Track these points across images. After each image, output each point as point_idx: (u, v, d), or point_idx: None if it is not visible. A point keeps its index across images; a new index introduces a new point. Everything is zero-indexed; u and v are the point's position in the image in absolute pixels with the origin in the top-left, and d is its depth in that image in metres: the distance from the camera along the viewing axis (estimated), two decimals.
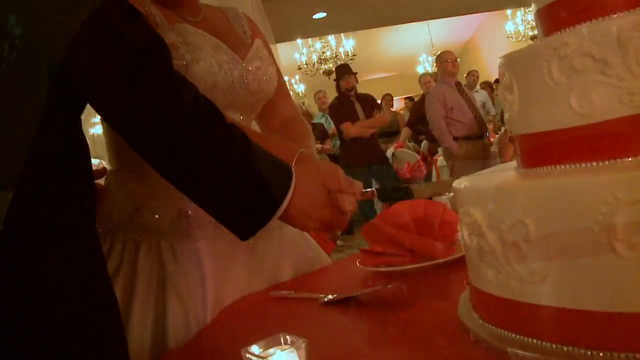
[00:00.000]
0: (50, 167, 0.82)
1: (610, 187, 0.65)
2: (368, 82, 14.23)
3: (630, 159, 0.73)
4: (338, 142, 6.60)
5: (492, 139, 6.61)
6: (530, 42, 12.13)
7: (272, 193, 0.96)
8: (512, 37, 12.35)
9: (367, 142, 5.89)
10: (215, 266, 1.30)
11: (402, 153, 6.20)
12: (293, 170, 1.01)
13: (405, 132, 7.29)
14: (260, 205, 0.96)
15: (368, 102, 6.12)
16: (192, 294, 1.26)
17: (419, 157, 5.82)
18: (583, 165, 0.77)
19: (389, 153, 6.82)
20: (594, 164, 0.76)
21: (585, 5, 0.82)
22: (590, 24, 0.78)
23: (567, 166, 0.79)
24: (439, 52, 5.89)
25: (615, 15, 0.78)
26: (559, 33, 0.83)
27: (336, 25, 9.04)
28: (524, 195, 0.73)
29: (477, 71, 8.71)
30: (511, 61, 0.88)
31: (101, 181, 1.39)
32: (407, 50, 13.66)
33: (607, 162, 0.74)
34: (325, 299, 1.19)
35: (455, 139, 5.58)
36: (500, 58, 0.92)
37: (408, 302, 1.10)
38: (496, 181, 0.81)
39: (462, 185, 0.86)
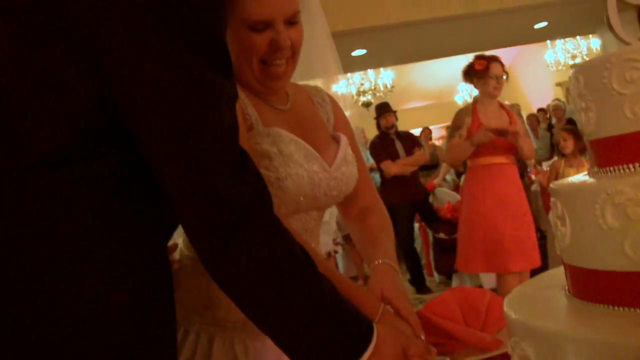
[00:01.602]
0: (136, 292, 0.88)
1: None
2: (406, 111, 14.18)
3: None
4: (378, 177, 6.58)
5: (533, 176, 6.54)
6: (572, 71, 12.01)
7: (351, 348, 0.96)
8: (551, 67, 12.21)
9: (408, 179, 5.88)
10: None
11: (441, 192, 6.17)
12: (375, 328, 1.01)
13: (444, 167, 7.25)
14: (337, 358, 0.98)
15: (408, 140, 6.13)
16: None
17: (459, 197, 5.77)
18: (633, 310, 0.78)
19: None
20: None
21: (637, 145, 0.84)
22: None
23: (617, 309, 0.80)
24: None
25: None
26: (611, 173, 0.86)
27: (375, 61, 9.08)
28: (574, 345, 0.75)
29: (518, 105, 8.64)
30: (563, 193, 0.90)
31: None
32: (445, 79, 13.62)
33: None
34: None
35: None
36: (552, 185, 0.94)
37: None
38: (547, 319, 0.83)
39: (514, 315, 0.88)
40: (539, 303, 0.95)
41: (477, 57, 4.09)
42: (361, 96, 10.84)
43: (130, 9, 0.78)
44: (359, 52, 7.64)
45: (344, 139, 1.44)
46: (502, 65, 4.04)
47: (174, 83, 0.81)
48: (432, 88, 14.38)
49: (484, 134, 3.90)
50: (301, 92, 1.49)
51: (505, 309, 0.93)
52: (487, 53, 4.54)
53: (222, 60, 0.87)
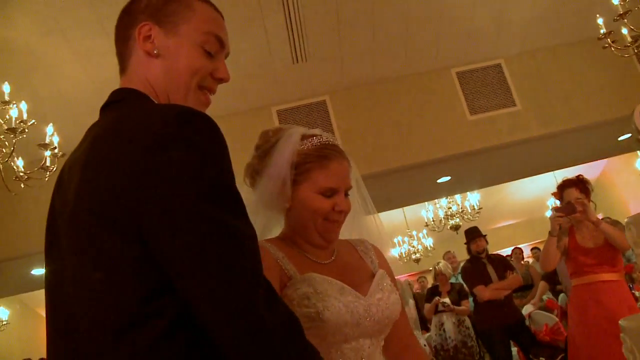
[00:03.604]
0: None
1: None
2: (496, 231, 14.01)
3: None
4: (471, 302, 6.53)
5: (636, 293, 6.29)
6: None
7: None
8: None
9: (502, 303, 5.78)
10: None
11: (538, 315, 6.02)
12: None
13: (542, 286, 7.12)
14: None
15: (500, 264, 6.09)
16: None
17: (557, 319, 5.64)
18: None
19: (525, 310, 6.63)
20: None
21: None
22: None
23: None
24: None
25: None
26: None
27: (460, 187, 9.24)
28: None
29: (609, 218, 8.47)
30: (629, 330, 1.03)
31: None
32: (533, 195, 13.51)
33: None
34: None
35: None
36: (620, 322, 1.08)
37: None
38: None
39: None
40: None
41: (558, 185, 4.19)
42: (449, 219, 10.92)
43: (168, 200, 0.98)
44: (444, 179, 7.85)
45: (379, 272, 1.66)
46: (581, 186, 4.06)
47: (203, 236, 0.97)
48: (521, 205, 14.27)
49: (552, 217, 3.93)
50: (345, 245, 1.74)
51: None
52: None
53: (238, 206, 1.05)
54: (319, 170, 1.56)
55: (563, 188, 4.14)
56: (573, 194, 4.03)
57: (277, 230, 1.69)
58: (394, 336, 1.67)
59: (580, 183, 4.12)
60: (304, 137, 1.61)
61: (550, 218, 4.01)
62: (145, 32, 1.23)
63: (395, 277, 1.75)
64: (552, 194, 4.29)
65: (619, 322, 1.06)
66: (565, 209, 3.95)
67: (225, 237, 0.99)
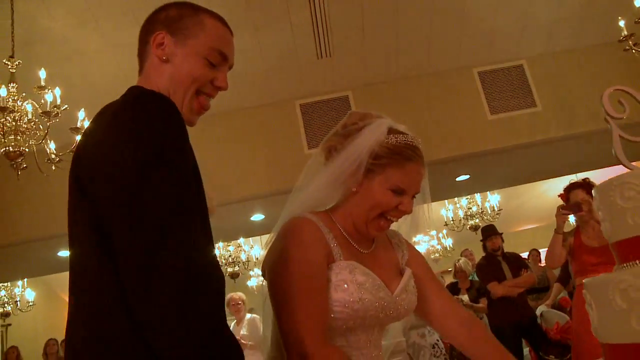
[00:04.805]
0: None
1: None
2: (515, 234, 13.97)
3: None
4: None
5: None
6: None
7: None
8: None
9: (515, 301, 5.87)
10: None
11: (550, 313, 6.07)
12: None
13: (556, 288, 7.14)
14: None
15: (515, 262, 6.17)
16: None
17: (568, 317, 5.69)
18: None
19: (538, 310, 6.67)
20: None
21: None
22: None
23: None
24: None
25: None
26: (624, 269, 1.11)
27: (479, 186, 9.28)
28: None
29: None
30: (591, 286, 1.16)
31: None
32: (554, 199, 13.44)
33: None
34: None
35: None
36: (584, 280, 1.20)
37: None
38: None
39: None
40: None
41: (565, 187, 4.32)
42: (469, 220, 10.96)
43: (106, 164, 1.15)
44: (462, 178, 7.91)
45: (407, 272, 1.72)
46: (587, 188, 4.18)
47: (129, 192, 1.10)
48: (542, 209, 14.17)
49: (558, 214, 4.05)
50: (382, 235, 1.79)
51: None
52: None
53: (168, 172, 1.14)
54: (395, 168, 1.57)
55: (569, 190, 4.29)
56: (579, 195, 4.17)
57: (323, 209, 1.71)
58: (450, 313, 1.77)
59: (586, 186, 4.26)
60: (390, 131, 1.62)
61: (556, 215, 4.13)
62: (159, 39, 1.44)
63: None
64: (559, 195, 4.40)
65: (583, 280, 1.18)
66: (572, 208, 4.08)
67: (144, 193, 1.10)
